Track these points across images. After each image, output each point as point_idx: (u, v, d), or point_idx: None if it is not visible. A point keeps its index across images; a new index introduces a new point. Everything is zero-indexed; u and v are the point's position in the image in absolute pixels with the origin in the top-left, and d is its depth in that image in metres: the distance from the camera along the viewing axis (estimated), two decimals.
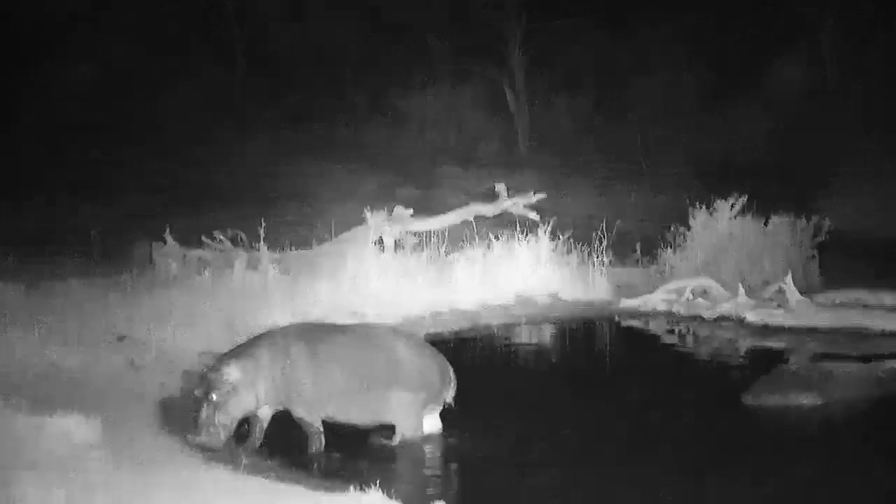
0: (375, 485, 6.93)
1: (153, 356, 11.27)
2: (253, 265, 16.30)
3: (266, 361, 8.47)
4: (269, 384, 8.47)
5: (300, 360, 8.52)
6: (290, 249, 17.78)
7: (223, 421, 8.21)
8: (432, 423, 9.36)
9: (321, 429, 8.77)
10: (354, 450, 9.06)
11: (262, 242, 16.73)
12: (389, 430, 9.17)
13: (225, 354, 8.75)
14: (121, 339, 11.60)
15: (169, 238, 16.83)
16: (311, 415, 8.72)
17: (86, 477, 6.82)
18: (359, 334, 9.23)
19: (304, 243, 18.49)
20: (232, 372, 8.29)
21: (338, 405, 8.73)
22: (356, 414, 8.86)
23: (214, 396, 8.22)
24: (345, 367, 8.68)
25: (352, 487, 7.01)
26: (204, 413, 8.25)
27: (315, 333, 8.91)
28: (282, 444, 8.97)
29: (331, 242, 18.13)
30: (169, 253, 16.72)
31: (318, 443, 8.74)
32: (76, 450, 7.53)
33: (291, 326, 9.32)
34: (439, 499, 6.86)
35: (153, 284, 15.17)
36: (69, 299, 13.31)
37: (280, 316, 12.94)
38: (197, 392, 8.37)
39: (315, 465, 8.49)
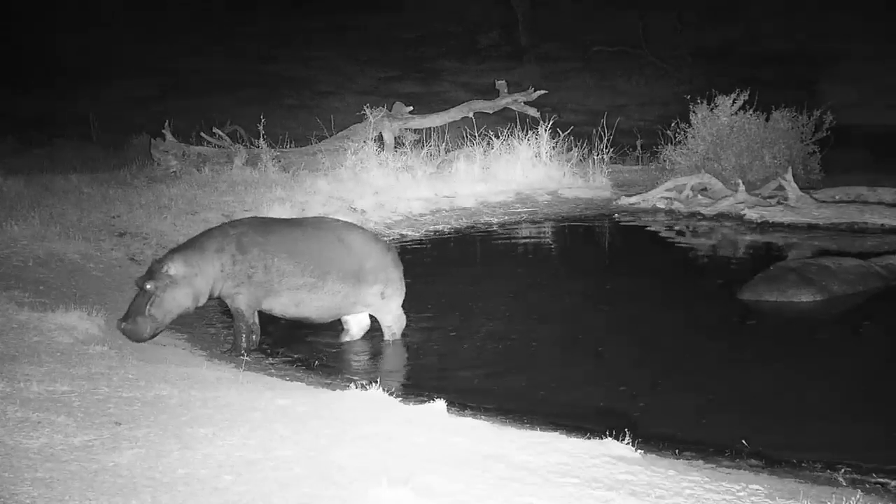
0: (376, 383, 6.94)
1: (153, 250, 11.35)
2: (252, 161, 16.31)
3: (213, 252, 8.33)
4: (217, 273, 8.33)
5: (251, 249, 8.42)
6: (290, 146, 17.75)
7: (155, 313, 8.03)
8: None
9: (257, 325, 8.72)
10: (346, 348, 9.27)
11: (261, 139, 16.71)
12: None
13: (175, 247, 8.63)
14: (121, 235, 11.66)
15: (168, 134, 16.74)
16: (252, 306, 8.61)
17: (89, 369, 6.86)
18: (313, 226, 9.09)
19: (303, 136, 18.50)
20: (174, 265, 8.13)
21: (291, 297, 8.66)
22: (312, 307, 8.79)
23: (149, 286, 8.04)
24: (299, 257, 8.59)
25: (353, 385, 7.06)
26: (136, 301, 8.09)
27: (267, 225, 8.81)
28: (283, 344, 9.10)
29: (330, 139, 18.19)
30: (168, 149, 16.63)
31: (247, 340, 8.62)
32: (79, 343, 7.59)
33: (244, 219, 9.20)
34: (438, 395, 6.88)
35: (153, 180, 15.19)
36: (69, 193, 13.33)
37: (279, 210, 13.02)
38: (137, 280, 8.21)
39: (315, 363, 8.49)
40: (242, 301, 8.44)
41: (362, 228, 10.02)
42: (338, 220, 9.61)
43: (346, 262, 8.74)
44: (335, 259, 8.70)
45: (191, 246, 8.37)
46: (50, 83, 27.15)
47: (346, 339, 9.32)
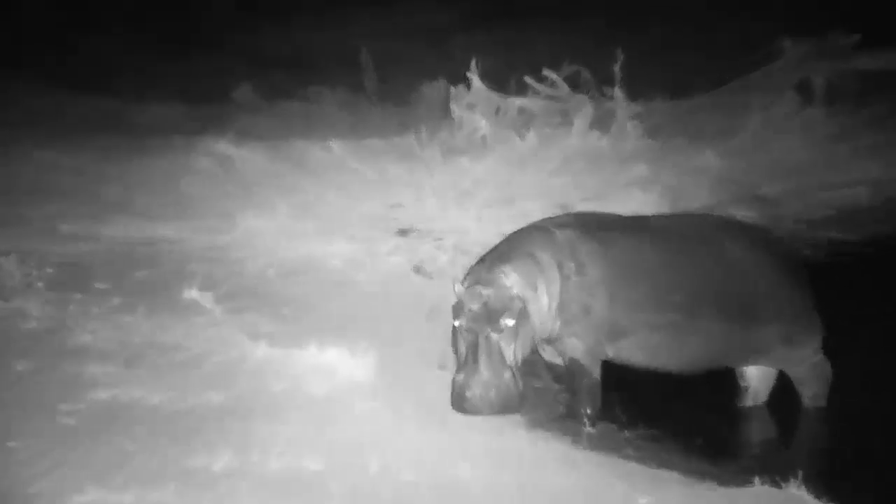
0: (796, 477, 5.15)
1: (447, 257, 9.19)
2: (603, 121, 13.46)
3: (546, 263, 6.19)
4: (553, 297, 6.12)
5: (592, 265, 6.23)
6: (659, 99, 14.82)
7: (514, 361, 5.76)
8: None
9: (599, 379, 6.50)
10: (745, 418, 7.13)
11: (616, 87, 13.62)
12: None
13: (486, 261, 6.23)
14: (402, 233, 10.36)
15: (475, 79, 13.50)
16: (596, 354, 6.40)
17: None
18: (675, 231, 6.80)
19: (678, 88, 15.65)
20: (515, 282, 5.97)
21: (641, 339, 6.33)
22: (675, 354, 6.48)
23: (509, 322, 5.83)
24: (655, 280, 6.35)
25: (756, 479, 5.26)
26: (488, 351, 5.64)
27: (607, 230, 6.55)
28: (644, 410, 7.02)
29: (720, 90, 14.40)
30: (475, 101, 13.44)
31: (592, 401, 6.42)
32: (343, 388, 6.00)
33: (566, 217, 6.95)
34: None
35: (450, 149, 13.23)
36: (333, 171, 11.85)
37: (640, 197, 10.71)
38: (462, 321, 5.81)
39: (699, 440, 6.56)
40: (579, 346, 6.55)
41: (753, 230, 7.64)
42: (713, 219, 7.77)
43: (727, 288, 6.70)
44: (710, 283, 6.65)
45: (515, 254, 6.20)
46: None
47: (748, 402, 7.35)
